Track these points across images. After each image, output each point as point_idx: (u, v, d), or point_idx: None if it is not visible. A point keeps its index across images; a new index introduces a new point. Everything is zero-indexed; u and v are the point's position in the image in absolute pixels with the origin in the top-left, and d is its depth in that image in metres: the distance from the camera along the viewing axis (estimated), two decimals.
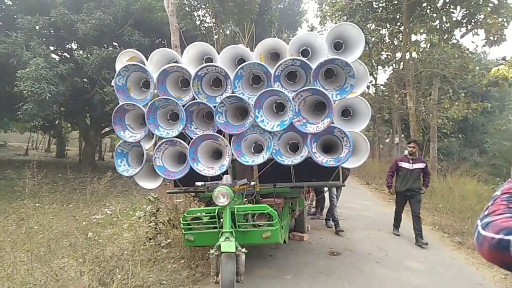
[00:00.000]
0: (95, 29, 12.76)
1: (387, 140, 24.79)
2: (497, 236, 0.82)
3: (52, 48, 15.29)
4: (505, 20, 11.27)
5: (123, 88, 4.60)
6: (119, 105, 4.54)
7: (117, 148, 4.72)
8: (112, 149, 29.50)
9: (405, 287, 4.47)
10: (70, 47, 16.12)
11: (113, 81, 4.66)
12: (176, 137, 4.43)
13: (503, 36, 11.69)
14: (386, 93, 19.80)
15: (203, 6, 16.00)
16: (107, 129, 19.77)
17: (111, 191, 8.27)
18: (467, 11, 12.38)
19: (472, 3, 11.62)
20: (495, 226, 0.85)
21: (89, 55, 12.81)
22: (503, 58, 11.80)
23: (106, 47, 13.84)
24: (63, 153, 24.75)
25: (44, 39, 13.50)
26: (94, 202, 6.62)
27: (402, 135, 23.02)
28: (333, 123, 4.23)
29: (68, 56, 15.52)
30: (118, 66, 4.70)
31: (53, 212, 7.26)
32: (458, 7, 12.56)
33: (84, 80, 14.60)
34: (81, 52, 13.30)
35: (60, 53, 16.26)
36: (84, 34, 12.61)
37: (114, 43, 15.36)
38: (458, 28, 13.19)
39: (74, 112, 17.51)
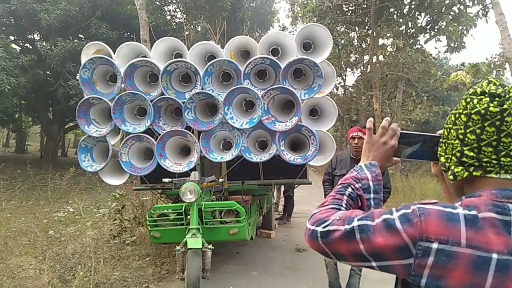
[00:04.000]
0: (60, 20, 12.24)
1: None
2: (312, 227, 0.91)
3: (12, 38, 14.54)
4: (464, 28, 11.87)
5: (89, 82, 4.47)
6: (84, 98, 4.41)
7: (81, 143, 4.59)
8: (76, 145, 28.35)
9: (366, 281, 4.63)
10: (32, 37, 15.38)
11: (78, 74, 4.51)
12: (143, 132, 4.36)
13: (463, 44, 12.32)
14: (354, 95, 20.30)
15: (174, 1, 15.78)
16: (71, 124, 19.00)
17: (74, 187, 8.00)
18: (431, 18, 12.93)
19: (435, 10, 12.14)
20: (313, 218, 0.93)
21: (53, 47, 12.27)
22: (462, 64, 12.44)
23: (71, 39, 13.31)
24: (23, 149, 23.58)
25: (3, 28, 12.82)
26: (56, 199, 6.39)
27: None
28: (301, 121, 4.31)
29: (30, 47, 14.81)
30: (84, 58, 4.55)
31: (10, 209, 6.94)
32: (423, 14, 13.08)
33: (47, 72, 13.94)
34: (44, 43, 12.70)
35: (21, 44, 15.48)
36: (48, 24, 12.07)
37: (80, 35, 14.81)
38: (422, 34, 13.74)
39: (36, 106, 16.71)
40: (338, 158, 4.13)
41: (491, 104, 0.78)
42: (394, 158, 1.06)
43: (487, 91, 0.80)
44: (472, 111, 0.80)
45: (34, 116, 19.78)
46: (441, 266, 0.74)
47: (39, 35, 15.00)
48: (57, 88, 13.58)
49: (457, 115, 0.85)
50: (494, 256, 0.72)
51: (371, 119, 1.10)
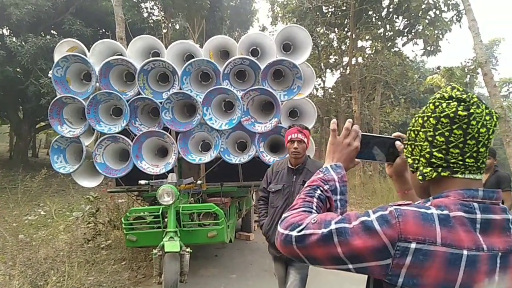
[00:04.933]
0: (31, 15, 11.79)
1: None
2: (285, 232, 0.90)
3: None
4: (440, 32, 12.20)
5: (62, 80, 4.31)
6: (56, 97, 4.25)
7: (53, 144, 4.43)
8: (48, 146, 27.46)
9: (346, 281, 4.66)
10: (1, 33, 14.77)
11: (50, 71, 4.34)
12: (119, 133, 4.23)
13: (439, 47, 12.66)
14: (333, 96, 20.53)
15: None
16: (43, 123, 18.34)
17: (45, 190, 7.73)
18: (408, 22, 13.22)
19: (412, 14, 12.43)
20: (285, 222, 0.92)
21: (23, 43, 11.81)
22: (438, 68, 12.75)
23: (43, 35, 12.88)
24: None
25: None
26: (26, 202, 6.13)
27: None
28: (280, 123, 4.29)
29: None
30: (57, 56, 4.40)
31: None
32: (400, 17, 13.38)
33: (18, 69, 13.38)
34: (14, 39, 12.23)
35: None
36: (18, 20, 11.61)
37: (52, 31, 14.33)
38: (400, 37, 14.04)
39: (5, 104, 16.01)
40: (274, 169, 3.15)
41: (459, 108, 0.82)
42: (356, 160, 1.08)
43: (454, 96, 0.84)
44: (441, 115, 0.84)
45: (3, 115, 18.98)
46: (418, 265, 0.76)
47: (8, 30, 14.40)
48: (27, 86, 13.03)
49: (425, 118, 0.87)
50: (465, 252, 0.76)
51: (334, 120, 1.12)
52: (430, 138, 0.86)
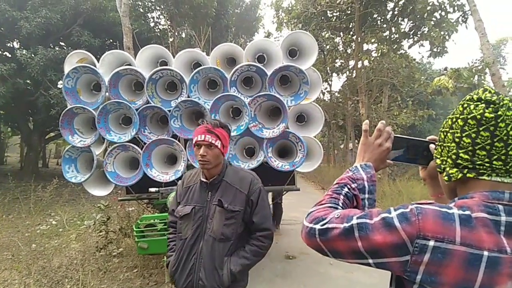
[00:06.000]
0: (41, 27, 12.01)
1: (342, 146, 25.66)
2: (309, 225, 0.93)
3: None
4: (446, 33, 12.13)
5: (72, 91, 4.37)
6: (67, 108, 4.31)
7: (64, 153, 4.47)
8: (58, 156, 27.78)
9: (356, 286, 4.62)
10: (11, 45, 15.06)
11: (60, 82, 4.42)
12: (128, 141, 4.28)
13: (445, 48, 12.59)
14: (340, 100, 20.50)
15: (158, 8, 15.70)
16: (52, 134, 18.60)
17: (56, 200, 7.80)
18: (414, 24, 13.18)
19: (418, 16, 12.39)
20: (311, 216, 0.96)
21: (33, 55, 12.01)
22: (445, 69, 12.67)
23: (52, 47, 13.08)
24: (2, 160, 22.97)
25: None
26: (38, 212, 6.22)
27: (356, 141, 23.96)
28: (288, 128, 4.30)
29: (10, 56, 14.47)
30: (67, 67, 4.47)
31: None
32: (406, 20, 13.34)
33: (28, 81, 13.60)
34: (24, 51, 12.43)
35: (0, 52, 15.15)
36: (28, 32, 11.83)
37: (61, 43, 14.55)
38: (406, 39, 13.98)
39: (16, 116, 16.30)
40: (184, 183, 2.26)
41: (486, 110, 0.82)
42: (388, 161, 1.10)
43: (483, 97, 0.84)
44: (469, 116, 0.84)
45: (13, 127, 19.31)
46: (436, 263, 0.77)
47: (18, 43, 14.68)
48: (37, 97, 13.26)
49: (454, 120, 0.89)
50: (485, 253, 0.76)
51: (367, 121, 1.13)
52: (457, 140, 0.87)
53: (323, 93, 19.37)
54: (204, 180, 2.11)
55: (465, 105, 0.86)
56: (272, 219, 8.40)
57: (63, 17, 12.77)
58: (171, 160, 4.52)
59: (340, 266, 5.34)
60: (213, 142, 1.98)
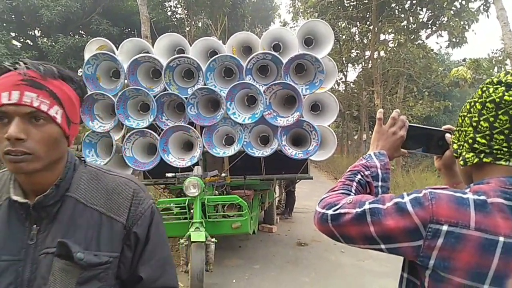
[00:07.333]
0: (61, 16, 12.27)
1: (356, 137, 25.48)
2: (322, 210, 0.93)
3: (13, 34, 14.57)
4: (466, 23, 11.84)
5: (92, 77, 4.50)
6: (87, 94, 4.44)
7: (85, 138, 4.62)
8: (77, 141, 28.41)
9: (367, 274, 4.69)
10: (33, 34, 15.41)
11: (80, 70, 4.55)
12: (146, 128, 4.40)
13: (464, 38, 12.29)
14: (355, 91, 20.29)
15: None
16: None
17: None
18: (432, 13, 12.88)
19: (437, 5, 12.10)
20: (323, 202, 0.96)
21: (54, 43, 12.31)
22: (464, 60, 12.41)
23: (72, 35, 13.35)
24: None
25: (4, 25, 12.84)
26: None
27: (370, 132, 23.75)
28: (302, 116, 4.34)
29: (31, 44, 14.85)
30: (87, 55, 4.58)
31: None
32: (424, 9, 13.04)
33: None
34: (45, 39, 12.77)
35: (22, 40, 15.51)
36: (49, 21, 12.10)
37: (80, 31, 14.82)
38: (424, 29, 13.69)
39: None
40: None
41: (506, 93, 0.78)
42: (402, 150, 1.09)
43: (503, 80, 0.81)
44: (487, 99, 0.81)
45: None
46: (449, 247, 0.76)
47: (40, 31, 15.02)
48: None
49: (472, 103, 0.87)
50: (501, 239, 0.74)
51: (381, 110, 1.13)
52: (474, 124, 0.84)
53: (338, 84, 19.20)
54: (20, 199, 0.86)
55: (484, 88, 0.84)
56: (285, 207, 8.42)
57: (82, 5, 13.00)
58: (188, 146, 4.63)
59: (351, 254, 5.40)
60: (43, 108, 0.81)
